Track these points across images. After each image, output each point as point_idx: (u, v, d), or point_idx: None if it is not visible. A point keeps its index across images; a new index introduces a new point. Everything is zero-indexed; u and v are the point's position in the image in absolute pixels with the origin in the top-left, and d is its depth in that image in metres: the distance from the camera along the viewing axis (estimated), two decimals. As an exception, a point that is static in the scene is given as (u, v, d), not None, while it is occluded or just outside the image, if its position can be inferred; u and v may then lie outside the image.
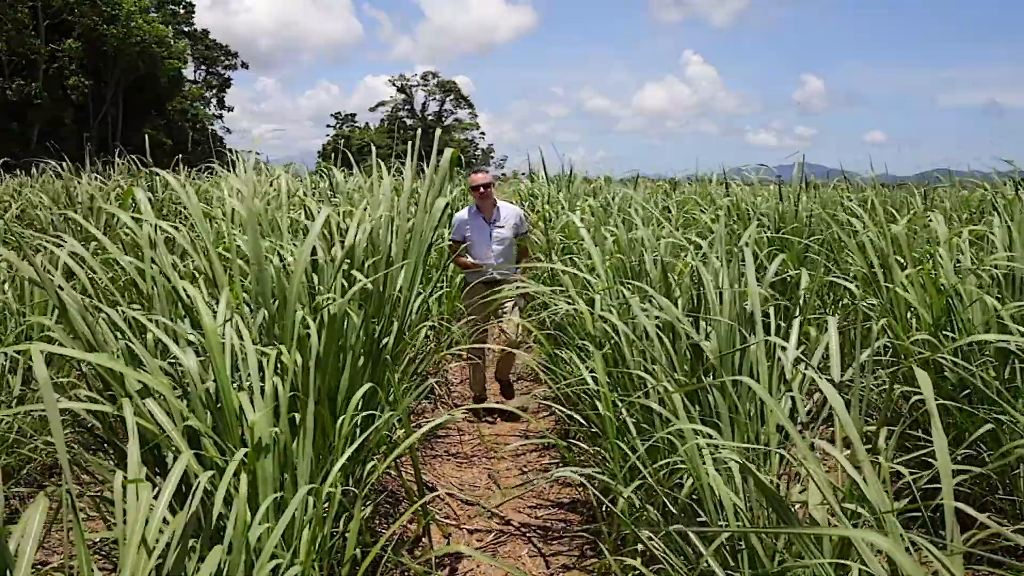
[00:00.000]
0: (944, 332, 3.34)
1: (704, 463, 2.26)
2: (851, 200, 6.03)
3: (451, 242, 5.35)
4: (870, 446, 2.01)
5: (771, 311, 3.21)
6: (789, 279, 4.69)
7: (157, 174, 6.65)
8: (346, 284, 3.15)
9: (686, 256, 3.84)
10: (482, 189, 5.15)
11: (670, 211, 7.16)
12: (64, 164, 8.77)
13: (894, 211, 5.89)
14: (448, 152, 3.66)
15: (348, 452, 2.49)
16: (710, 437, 2.41)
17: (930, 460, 2.23)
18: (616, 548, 2.82)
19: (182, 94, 42.17)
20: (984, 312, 3.24)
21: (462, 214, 5.32)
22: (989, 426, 2.78)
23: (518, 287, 4.34)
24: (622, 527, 2.63)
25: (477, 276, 5.17)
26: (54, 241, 3.01)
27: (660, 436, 2.59)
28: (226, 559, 1.91)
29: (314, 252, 3.45)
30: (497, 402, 5.30)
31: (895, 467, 2.21)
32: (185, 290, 2.62)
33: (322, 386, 2.64)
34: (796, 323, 2.79)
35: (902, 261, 3.79)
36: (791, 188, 6.45)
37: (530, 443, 4.53)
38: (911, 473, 2.27)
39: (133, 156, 8.41)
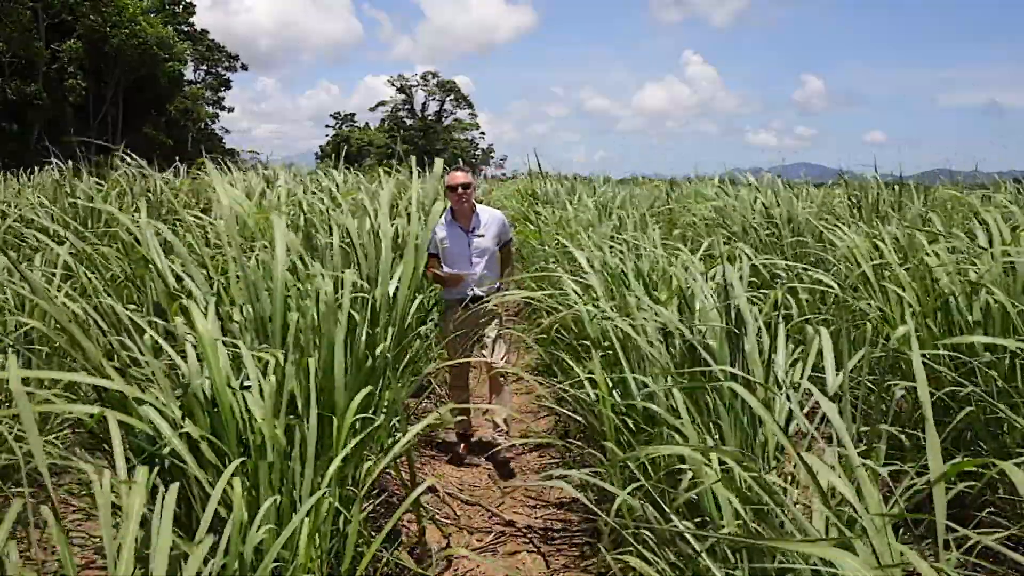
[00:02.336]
0: (940, 331, 3.34)
1: (706, 467, 2.26)
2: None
3: (428, 255, 4.39)
4: (865, 448, 2.01)
5: (757, 314, 3.21)
6: (782, 282, 4.69)
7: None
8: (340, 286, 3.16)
9: (681, 258, 3.84)
10: (460, 190, 4.35)
11: (670, 211, 7.18)
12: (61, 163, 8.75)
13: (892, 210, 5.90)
14: (439, 162, 3.66)
15: (344, 452, 2.49)
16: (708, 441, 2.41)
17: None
18: (615, 548, 2.83)
19: (182, 94, 42.15)
20: (984, 311, 3.24)
21: (438, 223, 4.49)
22: (969, 409, 2.80)
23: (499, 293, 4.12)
24: (611, 529, 2.64)
25: (454, 293, 4.45)
26: (55, 238, 3.02)
27: (661, 449, 2.59)
28: (223, 561, 1.91)
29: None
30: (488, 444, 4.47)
31: (883, 470, 2.21)
32: (182, 297, 2.62)
33: (319, 387, 2.64)
34: (782, 329, 2.81)
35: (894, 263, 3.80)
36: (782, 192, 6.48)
37: (530, 443, 4.53)
38: (908, 473, 2.27)
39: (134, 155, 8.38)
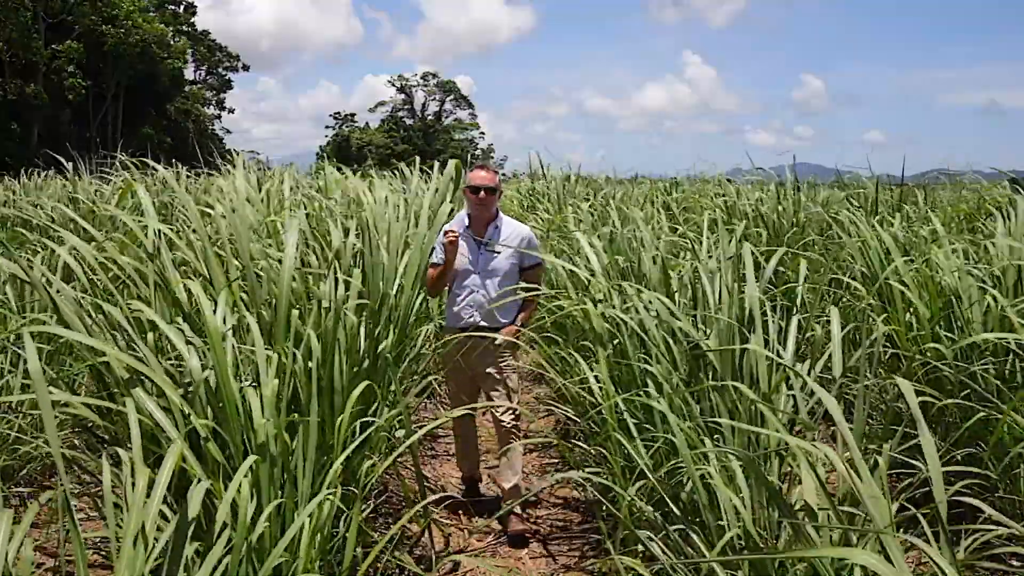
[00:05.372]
0: (944, 332, 3.34)
1: (700, 465, 2.26)
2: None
3: (430, 266, 3.64)
4: (872, 446, 2.01)
5: (768, 310, 3.21)
6: (789, 279, 4.69)
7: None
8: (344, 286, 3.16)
9: (684, 256, 3.84)
10: (481, 193, 3.55)
11: (670, 209, 7.18)
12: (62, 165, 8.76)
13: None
14: (451, 163, 3.64)
15: (347, 452, 2.49)
16: (711, 439, 2.41)
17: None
18: (616, 548, 2.82)
19: (183, 94, 42.14)
20: (984, 313, 3.24)
21: (449, 226, 3.58)
22: (981, 415, 2.79)
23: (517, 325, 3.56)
24: (622, 527, 2.64)
25: (454, 320, 3.64)
26: (57, 238, 3.02)
27: (660, 438, 2.59)
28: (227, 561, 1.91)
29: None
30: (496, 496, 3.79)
31: (896, 458, 2.21)
32: (187, 288, 2.62)
33: (322, 386, 2.64)
34: (795, 321, 2.80)
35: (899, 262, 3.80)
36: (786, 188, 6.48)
37: (530, 443, 4.52)
38: (911, 471, 2.27)
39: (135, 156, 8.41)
